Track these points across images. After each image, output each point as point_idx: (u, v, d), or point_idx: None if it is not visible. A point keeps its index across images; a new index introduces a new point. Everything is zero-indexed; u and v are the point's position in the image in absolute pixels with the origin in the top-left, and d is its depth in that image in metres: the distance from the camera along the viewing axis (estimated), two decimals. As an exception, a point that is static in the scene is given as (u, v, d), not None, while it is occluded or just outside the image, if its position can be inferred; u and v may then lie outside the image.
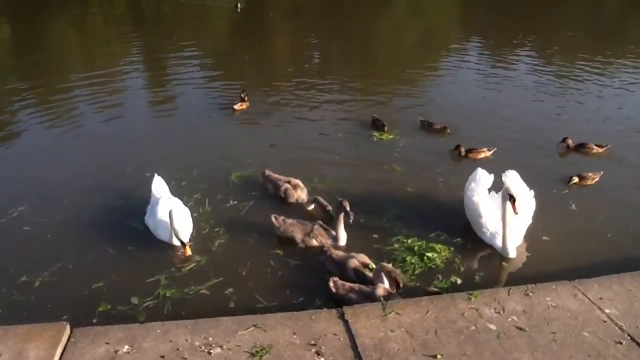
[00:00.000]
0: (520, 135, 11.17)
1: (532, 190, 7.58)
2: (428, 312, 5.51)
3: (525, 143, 10.84)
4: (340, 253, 7.04)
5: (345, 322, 5.37)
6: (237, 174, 9.38)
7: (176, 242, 7.30)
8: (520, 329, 5.31)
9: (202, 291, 6.68)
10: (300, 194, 8.54)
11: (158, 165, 9.56)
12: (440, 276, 6.94)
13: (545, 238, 7.70)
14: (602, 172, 9.36)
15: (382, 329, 5.28)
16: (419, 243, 7.54)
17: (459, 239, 7.66)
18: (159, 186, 8.17)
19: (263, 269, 7.06)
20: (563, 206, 8.64)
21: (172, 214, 7.12)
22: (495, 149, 10.21)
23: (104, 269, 7.03)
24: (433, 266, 7.12)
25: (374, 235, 7.78)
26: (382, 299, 5.93)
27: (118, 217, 8.19)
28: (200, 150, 10.40)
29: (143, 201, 8.33)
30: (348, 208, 7.19)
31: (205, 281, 6.83)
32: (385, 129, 11.08)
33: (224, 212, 8.34)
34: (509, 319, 5.44)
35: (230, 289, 6.72)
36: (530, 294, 5.80)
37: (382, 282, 6.42)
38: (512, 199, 6.78)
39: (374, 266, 6.80)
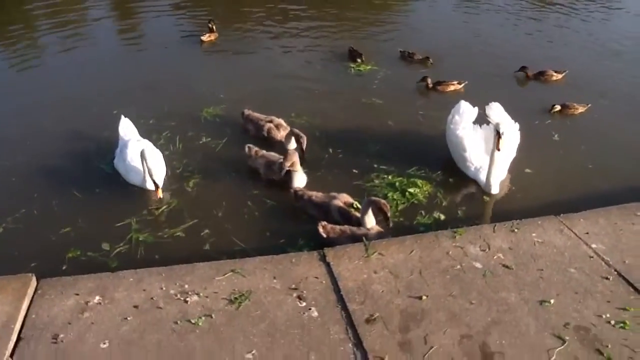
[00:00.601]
0: (501, 64, 10.78)
1: (517, 123, 7.30)
2: (412, 251, 5.33)
3: (505, 72, 10.50)
4: (319, 194, 6.74)
5: (327, 265, 5.17)
6: (208, 110, 8.94)
7: (150, 186, 6.92)
8: (507, 266, 5.17)
9: (176, 234, 6.40)
10: (284, 134, 8.03)
11: (124, 101, 9.13)
12: (423, 212, 6.75)
13: (527, 171, 7.53)
14: (589, 105, 9.14)
15: (365, 270, 5.10)
16: (400, 179, 7.31)
17: (440, 174, 7.44)
18: (126, 128, 7.68)
19: (240, 209, 6.77)
20: (545, 137, 8.43)
21: (145, 153, 6.71)
22: (466, 82, 9.76)
23: (71, 213, 6.68)
24: (415, 202, 6.93)
25: (354, 171, 7.52)
26: (367, 239, 5.75)
27: (84, 158, 7.77)
28: (168, 85, 9.87)
29: (110, 141, 7.90)
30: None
31: (180, 224, 6.54)
32: (363, 59, 10.61)
33: (196, 151, 7.96)
34: (495, 257, 5.29)
35: (206, 231, 6.45)
36: (516, 229, 5.64)
37: (370, 219, 6.21)
38: (498, 135, 6.51)
39: (358, 205, 6.56)
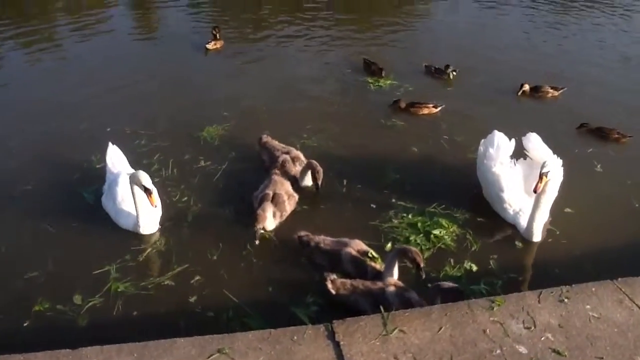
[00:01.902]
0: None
1: (560, 159, 6.29)
2: (441, 328, 4.36)
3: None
4: (328, 240, 5.79)
5: (337, 345, 4.21)
6: (210, 129, 8.00)
7: (144, 230, 5.98)
8: (558, 352, 4.18)
9: (163, 282, 5.49)
10: (300, 169, 6.95)
11: (116, 117, 8.31)
12: (452, 260, 5.80)
13: (568, 210, 6.51)
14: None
15: (383, 355, 4.13)
16: (421, 218, 6.36)
17: (467, 212, 6.47)
18: (114, 158, 6.66)
19: (238, 252, 5.84)
20: (586, 168, 7.41)
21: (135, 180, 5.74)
22: (443, 105, 8.68)
23: (42, 252, 5.79)
24: (443, 246, 5.98)
25: (372, 206, 6.59)
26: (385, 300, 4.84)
27: (63, 182, 6.87)
28: (167, 100, 8.94)
29: (98, 165, 7.09)
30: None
31: (167, 270, 5.64)
32: (383, 74, 9.63)
33: (191, 178, 7.03)
34: (543, 338, 4.30)
35: (197, 278, 5.55)
36: (566, 299, 4.64)
37: (392, 273, 5.29)
38: (542, 176, 5.53)
39: (373, 254, 5.60)
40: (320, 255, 5.69)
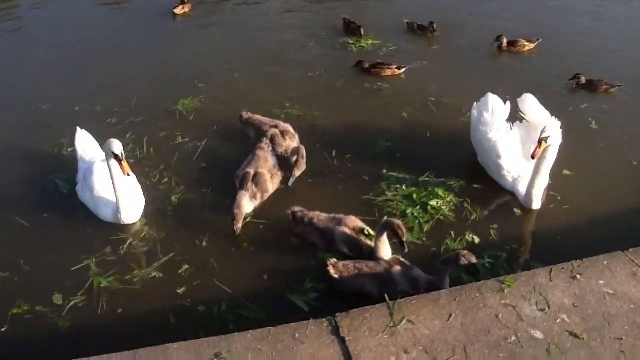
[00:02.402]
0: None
1: (559, 120, 6.00)
2: (451, 316, 4.10)
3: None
4: (322, 217, 5.46)
5: (342, 341, 3.93)
6: (185, 102, 7.51)
7: (127, 219, 5.55)
8: (575, 335, 3.96)
9: (149, 275, 5.15)
10: (290, 144, 6.53)
11: (82, 94, 7.78)
12: (452, 232, 5.54)
13: (566, 172, 6.27)
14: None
15: (392, 349, 3.86)
16: (415, 189, 6.06)
17: (461, 180, 6.19)
18: (85, 143, 6.14)
19: (227, 237, 5.49)
20: (582, 126, 7.12)
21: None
22: (408, 66, 8.26)
23: (14, 249, 5.40)
24: (441, 218, 5.72)
25: (364, 178, 6.26)
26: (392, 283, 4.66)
27: (31, 171, 6.40)
28: (135, 72, 8.40)
29: (67, 148, 6.64)
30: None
31: (152, 261, 5.30)
32: (362, 32, 9.14)
33: (170, 157, 6.60)
34: (558, 320, 4.07)
35: (186, 267, 5.22)
36: (578, 275, 4.41)
37: (385, 248, 5.00)
38: (541, 142, 5.24)
39: (370, 232, 5.30)
40: (313, 233, 5.39)
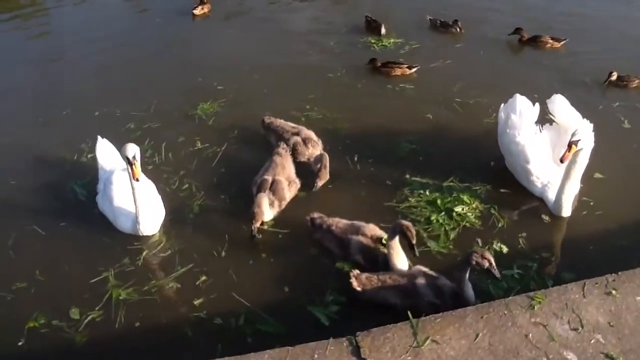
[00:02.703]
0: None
1: (590, 122, 5.74)
2: (478, 335, 3.91)
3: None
4: (341, 223, 5.31)
5: (363, 362, 3.77)
6: (204, 106, 7.40)
7: (145, 231, 5.43)
8: (611, 357, 3.74)
9: (167, 286, 5.03)
10: (313, 151, 6.34)
11: (101, 98, 7.71)
12: (479, 240, 5.33)
13: (598, 175, 6.00)
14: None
15: (417, 372, 3.70)
16: (439, 194, 5.86)
17: (487, 184, 5.96)
18: (105, 153, 6.04)
19: (246, 247, 5.35)
20: (613, 125, 6.83)
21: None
22: (419, 66, 8.01)
23: (30, 259, 5.32)
24: (467, 225, 5.50)
25: (387, 183, 6.07)
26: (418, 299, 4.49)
27: (50, 177, 6.35)
28: (155, 75, 8.32)
29: (87, 154, 6.59)
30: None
31: (170, 271, 5.18)
32: (383, 31, 8.91)
33: (187, 162, 6.51)
34: (592, 340, 3.86)
35: (203, 279, 5.09)
36: (613, 291, 4.18)
37: (399, 256, 4.84)
38: (571, 145, 5.00)
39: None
40: (331, 240, 5.25)
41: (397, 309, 4.52)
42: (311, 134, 6.47)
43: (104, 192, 5.65)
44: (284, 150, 6.13)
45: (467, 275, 4.51)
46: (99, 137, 6.11)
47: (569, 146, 5.02)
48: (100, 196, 5.76)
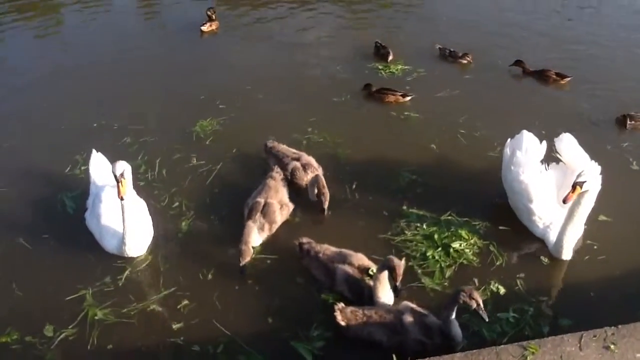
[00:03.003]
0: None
1: (598, 165, 5.53)
2: (465, 384, 3.69)
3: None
4: (329, 251, 5.13)
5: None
6: (203, 124, 7.27)
7: (131, 252, 5.24)
8: (607, 419, 3.51)
9: (148, 308, 4.84)
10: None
11: (100, 110, 7.62)
12: (476, 280, 5.10)
13: (603, 218, 5.77)
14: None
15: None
16: (436, 228, 5.65)
17: (486, 220, 5.75)
18: (99, 167, 5.86)
19: (234, 270, 5.14)
20: (621, 167, 6.60)
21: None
22: (413, 95, 7.87)
23: (11, 271, 5.19)
24: (464, 262, 5.29)
25: (384, 213, 5.87)
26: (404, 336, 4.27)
27: (41, 187, 6.25)
28: (157, 89, 8.20)
29: (81, 166, 6.47)
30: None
31: (152, 293, 5.01)
32: (390, 58, 8.80)
33: (181, 179, 6.36)
34: (588, 399, 3.63)
35: (185, 302, 4.92)
36: (612, 345, 3.96)
37: (384, 290, 4.64)
38: (575, 186, 4.80)
39: (375, 272, 4.90)
40: (317, 268, 5.07)
41: (383, 346, 4.36)
42: (311, 160, 6.31)
43: (92, 209, 5.47)
44: (277, 174, 5.98)
45: (454, 313, 4.32)
46: (94, 151, 5.96)
47: (574, 187, 4.83)
48: (88, 213, 5.57)
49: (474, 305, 4.20)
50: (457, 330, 4.38)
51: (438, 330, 4.40)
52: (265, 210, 5.48)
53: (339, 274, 4.91)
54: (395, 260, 4.56)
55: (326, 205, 5.76)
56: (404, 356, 3.97)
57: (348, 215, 5.87)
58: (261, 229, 5.41)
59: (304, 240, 5.28)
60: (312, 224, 5.78)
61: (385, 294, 4.67)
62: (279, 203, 5.63)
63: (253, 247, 5.30)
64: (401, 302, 4.64)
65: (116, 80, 8.37)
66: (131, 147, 6.84)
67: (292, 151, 6.42)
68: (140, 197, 5.66)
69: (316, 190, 5.81)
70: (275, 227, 5.55)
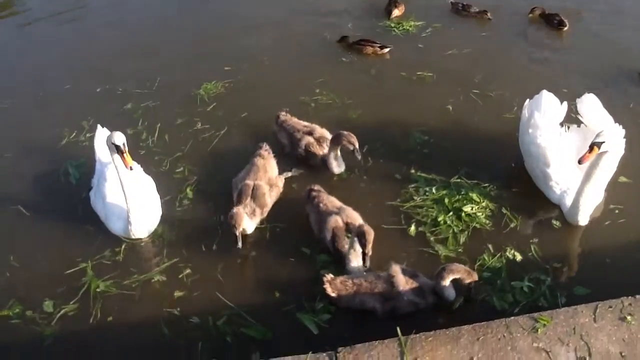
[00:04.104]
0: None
1: (621, 127, 5.22)
2: (472, 359, 3.53)
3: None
4: (329, 203, 5.01)
5: (343, 385, 3.43)
6: (208, 87, 7.02)
7: (138, 233, 5.01)
8: (621, 393, 3.34)
9: (153, 279, 4.75)
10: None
11: (104, 73, 7.38)
12: (491, 247, 4.88)
13: (623, 179, 5.46)
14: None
15: (401, 399, 3.34)
16: (446, 192, 5.41)
17: (497, 183, 5.49)
18: (104, 143, 5.46)
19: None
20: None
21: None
22: (392, 47, 7.56)
23: (6, 244, 5.13)
24: (477, 226, 5.07)
25: (396, 176, 5.67)
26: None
27: (45, 153, 6.13)
28: (156, 48, 7.90)
29: (86, 133, 6.31)
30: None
31: (154, 264, 4.88)
32: (395, 14, 8.38)
33: (183, 144, 6.17)
34: (601, 373, 3.45)
35: (188, 272, 4.80)
36: (629, 317, 3.75)
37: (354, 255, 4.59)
38: (593, 147, 4.52)
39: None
40: (313, 217, 5.02)
41: (378, 313, 4.30)
42: (325, 132, 5.98)
43: (98, 188, 5.21)
44: (266, 152, 5.64)
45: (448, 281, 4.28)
46: (99, 126, 5.67)
47: (591, 147, 4.53)
48: (93, 191, 5.32)
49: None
50: (450, 291, 4.31)
51: (430, 290, 4.33)
52: (255, 194, 5.17)
53: (326, 226, 4.82)
54: (367, 227, 4.42)
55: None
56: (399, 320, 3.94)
57: (358, 180, 5.67)
58: (252, 214, 5.11)
59: (315, 187, 5.20)
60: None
61: (356, 261, 4.59)
62: (268, 184, 5.33)
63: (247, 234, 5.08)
64: (390, 264, 4.48)
65: (116, 47, 8.06)
66: (135, 112, 6.66)
67: (303, 124, 6.06)
68: (142, 163, 5.49)
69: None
70: (267, 210, 5.25)
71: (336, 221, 4.82)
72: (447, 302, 4.34)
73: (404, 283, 4.32)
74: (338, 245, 4.75)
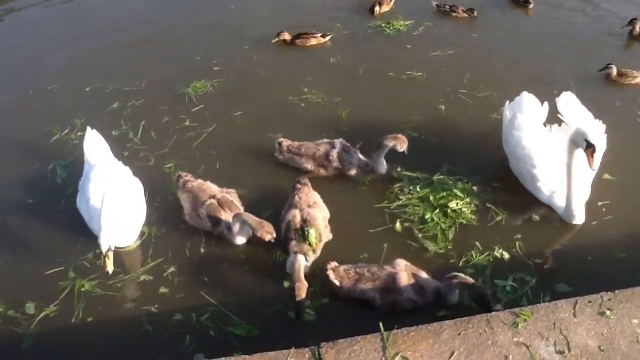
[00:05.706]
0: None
1: (601, 122, 5.27)
2: (453, 354, 3.55)
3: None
4: (305, 195, 5.07)
5: (325, 381, 3.44)
6: (198, 85, 7.03)
7: (117, 244, 4.80)
8: (599, 389, 3.36)
9: (140, 278, 4.75)
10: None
11: (93, 71, 7.41)
12: (478, 244, 4.92)
13: (607, 177, 5.51)
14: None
15: (381, 394, 3.36)
16: (429, 189, 5.44)
17: (480, 178, 5.56)
18: (94, 145, 5.45)
19: (223, 243, 5.03)
20: (627, 121, 6.28)
21: (105, 201, 4.57)
22: (332, 34, 7.71)
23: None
24: (464, 222, 5.11)
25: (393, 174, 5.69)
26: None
27: (33, 152, 6.10)
28: (146, 45, 7.95)
29: (77, 132, 6.31)
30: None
31: (137, 265, 4.88)
32: (376, 12, 8.41)
33: (167, 141, 6.18)
34: (579, 367, 3.48)
35: (172, 270, 4.80)
36: (607, 311, 3.78)
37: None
38: (591, 148, 4.57)
39: (310, 231, 4.77)
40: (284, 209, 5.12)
41: (376, 305, 4.33)
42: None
43: (83, 189, 5.11)
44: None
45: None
46: (88, 128, 5.58)
47: (589, 151, 4.59)
48: (79, 193, 5.19)
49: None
50: (454, 295, 4.36)
51: (433, 291, 4.35)
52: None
53: (284, 219, 4.92)
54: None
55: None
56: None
57: (344, 181, 5.68)
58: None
59: (302, 180, 5.24)
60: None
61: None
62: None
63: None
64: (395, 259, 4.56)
65: (107, 43, 8.08)
66: (125, 110, 6.68)
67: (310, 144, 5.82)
68: (128, 162, 5.49)
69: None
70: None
71: (294, 216, 4.85)
72: (447, 304, 4.36)
73: (405, 279, 4.36)
74: (286, 239, 4.80)
